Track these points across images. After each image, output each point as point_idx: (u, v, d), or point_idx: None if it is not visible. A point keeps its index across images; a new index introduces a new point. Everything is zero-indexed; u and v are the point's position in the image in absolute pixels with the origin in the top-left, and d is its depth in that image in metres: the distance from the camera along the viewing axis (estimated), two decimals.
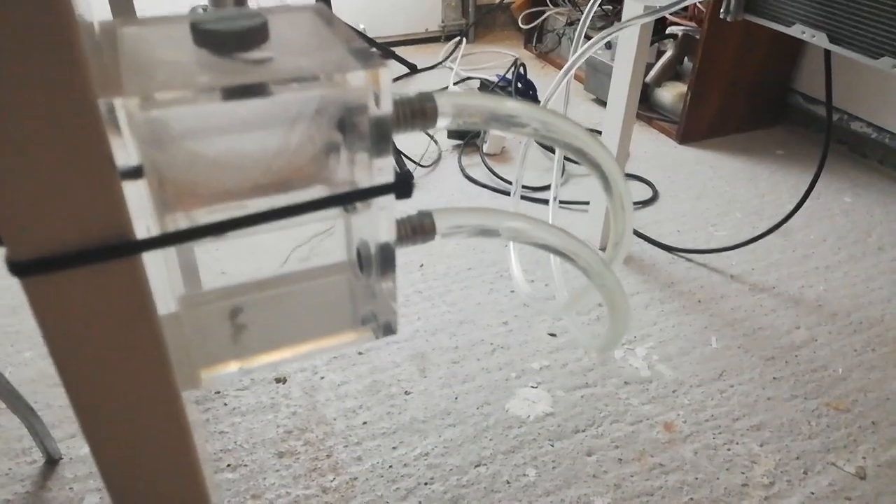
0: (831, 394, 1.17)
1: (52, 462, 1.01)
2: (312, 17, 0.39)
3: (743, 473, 1.03)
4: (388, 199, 0.36)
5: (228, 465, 1.01)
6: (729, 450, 1.07)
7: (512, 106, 0.37)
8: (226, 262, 1.42)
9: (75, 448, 1.03)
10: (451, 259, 1.47)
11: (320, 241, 1.49)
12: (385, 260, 0.38)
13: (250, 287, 0.41)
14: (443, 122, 0.37)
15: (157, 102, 0.29)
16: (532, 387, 1.16)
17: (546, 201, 1.64)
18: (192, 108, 0.29)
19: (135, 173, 0.29)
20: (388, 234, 0.37)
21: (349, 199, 0.34)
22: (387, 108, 0.33)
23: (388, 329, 0.41)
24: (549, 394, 1.15)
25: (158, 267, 0.34)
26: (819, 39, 0.97)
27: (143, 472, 0.37)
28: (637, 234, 1.57)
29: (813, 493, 1.00)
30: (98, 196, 0.28)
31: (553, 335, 1.27)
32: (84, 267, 0.28)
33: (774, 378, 1.20)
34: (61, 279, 0.29)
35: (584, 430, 1.09)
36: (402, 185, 0.35)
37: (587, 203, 1.61)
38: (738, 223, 1.64)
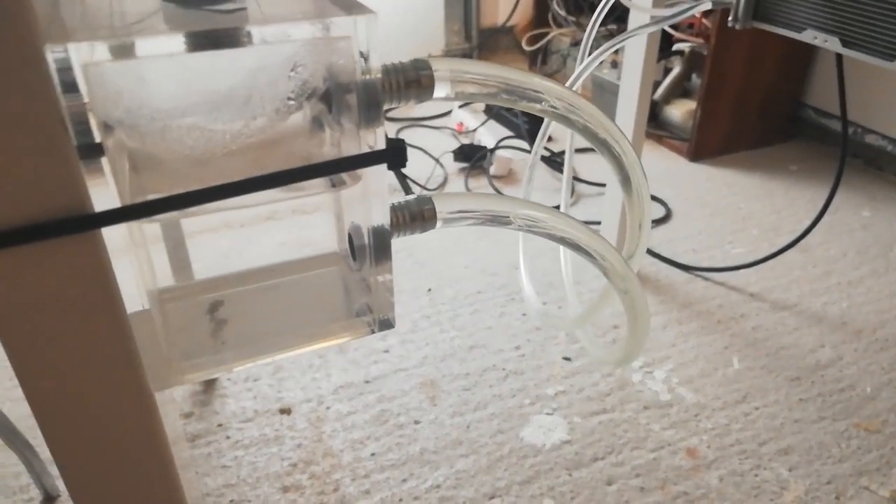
0: (860, 414, 1.12)
1: (49, 500, 0.98)
2: None
3: (772, 500, 0.97)
4: (381, 175, 0.32)
5: (231, 501, 0.97)
6: (756, 476, 1.01)
7: (518, 77, 0.34)
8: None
9: None
10: (459, 283, 1.44)
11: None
12: (380, 246, 0.34)
13: (232, 280, 0.37)
14: (441, 92, 0.34)
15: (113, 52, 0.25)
16: (547, 413, 1.12)
17: None
18: (154, 60, 0.26)
19: (96, 149, 0.26)
20: (381, 215, 0.33)
21: (335, 168, 0.30)
22: (375, 64, 0.29)
23: (386, 324, 0.37)
24: (566, 420, 1.10)
25: (126, 253, 0.30)
26: (831, 44, 0.94)
27: (111, 479, 0.33)
28: (652, 253, 1.53)
29: None
30: (48, 162, 0.24)
31: (568, 359, 1.23)
32: (35, 243, 0.25)
33: (801, 399, 1.15)
34: (9, 257, 0.25)
35: (603, 458, 1.04)
36: (395, 154, 0.31)
37: (598, 223, 1.58)
38: (755, 240, 1.59)
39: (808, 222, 1.35)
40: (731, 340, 1.28)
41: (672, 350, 1.26)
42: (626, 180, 0.43)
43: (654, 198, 1.77)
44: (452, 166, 1.92)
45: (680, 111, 2.01)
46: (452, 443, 1.06)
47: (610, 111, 2.13)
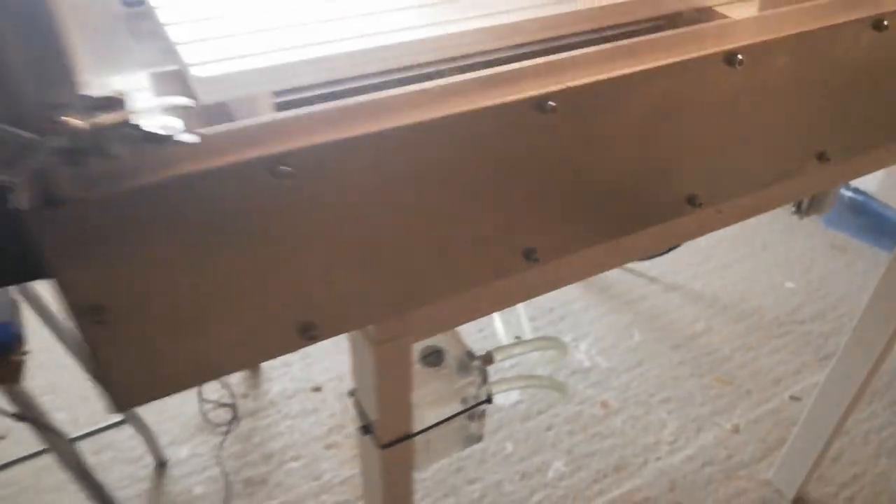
0: (719, 370, 1.62)
1: (161, 465, 1.38)
2: None
3: (655, 434, 1.47)
4: None
5: (292, 457, 1.40)
6: (646, 418, 1.50)
7: None
8: None
9: (176, 453, 1.40)
10: None
11: None
12: None
13: None
14: None
15: None
16: None
17: None
18: None
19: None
20: None
21: None
22: None
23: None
24: None
25: None
26: None
27: None
28: None
29: (702, 445, 1.45)
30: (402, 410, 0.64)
31: (518, 338, 1.68)
32: (400, 444, 0.63)
33: (679, 362, 1.64)
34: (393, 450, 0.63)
35: (544, 412, 1.51)
36: None
37: None
38: None
39: None
40: (634, 318, 1.75)
41: (591, 327, 1.72)
42: None
43: None
44: None
45: None
46: None
47: None
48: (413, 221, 0.44)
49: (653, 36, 0.47)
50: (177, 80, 0.48)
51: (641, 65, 0.46)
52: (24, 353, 0.72)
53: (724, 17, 0.64)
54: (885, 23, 0.57)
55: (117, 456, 1.39)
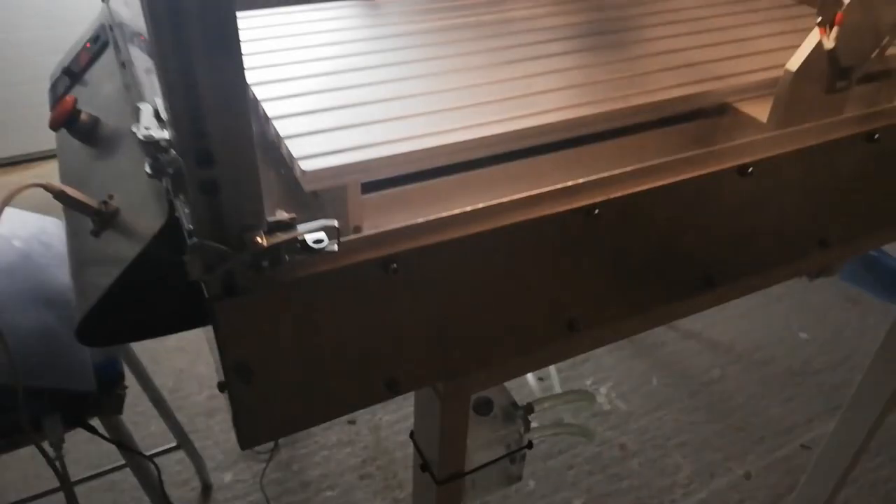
0: (733, 417, 1.70)
1: (207, 488, 1.48)
2: None
3: (670, 477, 1.54)
4: None
5: (328, 486, 1.49)
6: (662, 461, 1.58)
7: None
8: None
9: (220, 477, 1.50)
10: None
11: None
12: None
13: None
14: None
15: None
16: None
17: None
18: None
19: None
20: None
21: None
22: None
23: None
24: None
25: None
26: None
27: None
28: None
29: (715, 489, 1.53)
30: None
31: (541, 379, 1.77)
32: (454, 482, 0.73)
33: (696, 408, 1.72)
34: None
35: (565, 452, 1.59)
36: None
37: None
38: None
39: None
40: (653, 363, 1.84)
41: (612, 371, 1.81)
42: None
43: None
44: None
45: None
46: None
47: None
48: (483, 301, 0.55)
49: (679, 157, 0.58)
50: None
51: (669, 179, 0.57)
52: (125, 388, 0.83)
53: (738, 111, 0.76)
54: (876, 136, 0.67)
55: (166, 479, 1.49)
